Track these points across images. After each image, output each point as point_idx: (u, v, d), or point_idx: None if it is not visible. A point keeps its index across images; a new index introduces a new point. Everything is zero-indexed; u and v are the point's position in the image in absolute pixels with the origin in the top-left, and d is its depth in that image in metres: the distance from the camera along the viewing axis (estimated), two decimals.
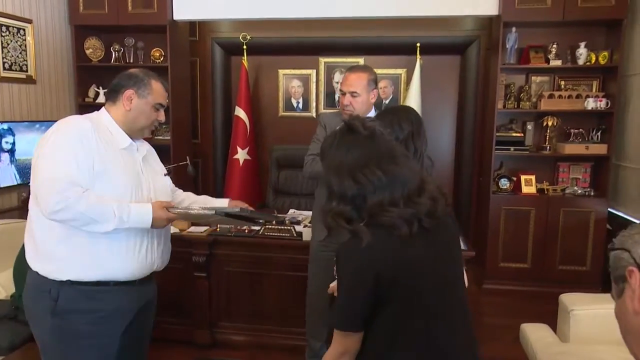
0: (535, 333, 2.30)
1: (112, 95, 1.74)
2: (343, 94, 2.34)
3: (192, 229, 2.92)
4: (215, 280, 2.89)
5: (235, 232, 2.86)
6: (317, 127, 2.54)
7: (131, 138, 1.73)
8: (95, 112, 1.76)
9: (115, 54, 4.07)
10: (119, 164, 1.66)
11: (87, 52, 4.02)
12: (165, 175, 1.90)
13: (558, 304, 2.34)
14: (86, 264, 1.62)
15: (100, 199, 1.57)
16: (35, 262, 1.65)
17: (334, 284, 1.62)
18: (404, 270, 1.15)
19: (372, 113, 2.39)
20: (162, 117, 1.79)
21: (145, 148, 1.83)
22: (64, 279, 1.61)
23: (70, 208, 1.50)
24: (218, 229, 2.90)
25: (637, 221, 3.39)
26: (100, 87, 4.07)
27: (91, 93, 4.06)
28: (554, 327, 2.35)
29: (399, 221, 1.14)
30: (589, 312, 2.21)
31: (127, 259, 1.67)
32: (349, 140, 1.21)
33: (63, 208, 1.50)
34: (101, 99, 4.06)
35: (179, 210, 1.73)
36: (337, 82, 4.59)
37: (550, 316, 2.39)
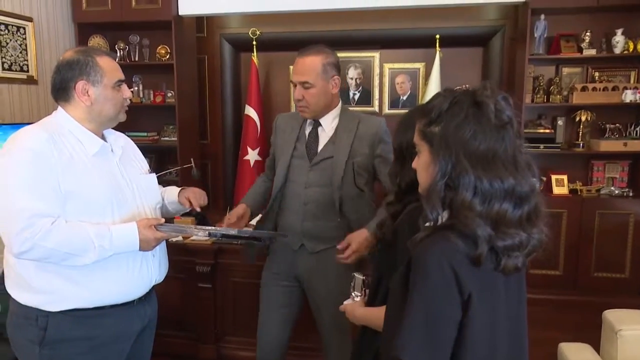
0: (576, 355, 2.04)
1: (62, 94, 1.49)
2: (294, 85, 1.89)
3: (196, 236, 2.73)
4: (221, 292, 2.70)
5: (241, 240, 2.65)
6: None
7: (103, 138, 1.53)
8: (51, 116, 1.50)
9: (120, 52, 3.92)
10: (91, 176, 1.42)
11: None
12: (148, 173, 1.69)
13: (592, 314, 2.08)
14: (77, 292, 1.40)
15: (74, 227, 1.33)
16: (17, 292, 1.42)
17: (350, 303, 1.40)
18: (486, 314, 0.94)
19: (337, 108, 1.94)
20: (127, 93, 1.58)
21: (121, 144, 1.60)
22: (53, 310, 1.39)
23: (38, 247, 1.28)
24: None
25: None
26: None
27: None
28: (591, 341, 2.09)
29: (514, 252, 0.94)
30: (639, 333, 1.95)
31: (123, 278, 1.48)
32: (476, 123, 0.98)
33: (30, 248, 1.28)
34: None
35: (167, 230, 1.52)
36: (352, 78, 4.36)
37: (587, 329, 2.15)
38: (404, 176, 1.26)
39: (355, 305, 1.36)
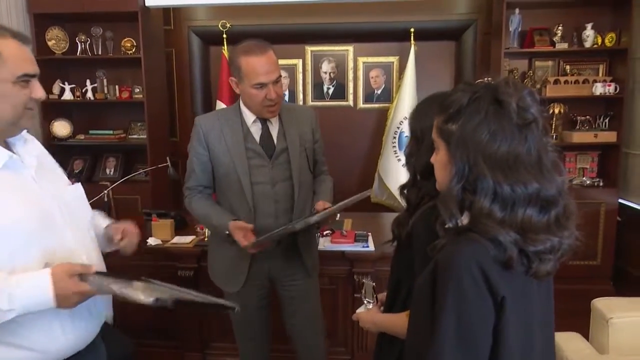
0: (569, 344, 2.07)
1: None
2: (260, 87, 1.69)
3: (176, 239, 2.60)
4: None
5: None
6: (192, 136, 1.87)
7: (8, 148, 1.17)
8: None
9: (81, 45, 3.67)
10: None
11: (50, 43, 3.61)
12: (72, 183, 1.35)
13: (569, 302, 2.10)
14: None
15: None
16: None
17: (364, 311, 1.34)
18: (520, 320, 0.90)
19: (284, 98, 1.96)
20: (39, 92, 1.19)
21: (35, 152, 1.24)
22: None
23: None
24: (206, 239, 2.58)
25: None
26: (66, 83, 3.67)
27: (55, 89, 3.66)
28: (573, 328, 2.12)
29: (546, 256, 0.89)
30: (630, 320, 1.99)
31: (54, 334, 1.16)
32: (496, 123, 0.90)
33: None
34: (67, 95, 3.67)
35: (97, 285, 1.11)
36: (326, 72, 4.29)
37: (568, 316, 2.19)
38: (419, 158, 1.20)
39: (372, 313, 1.29)
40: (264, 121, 1.83)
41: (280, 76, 1.76)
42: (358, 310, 1.35)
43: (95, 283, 1.11)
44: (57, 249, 1.17)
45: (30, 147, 1.24)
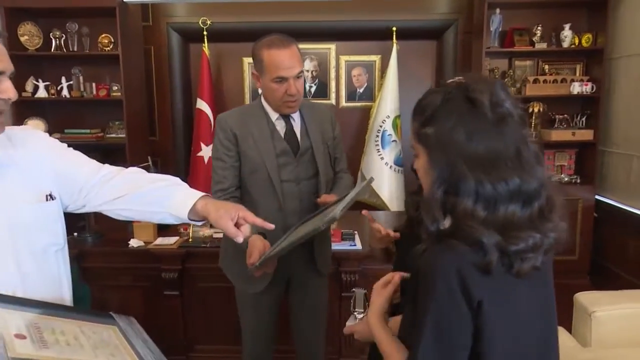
0: None
1: None
2: (280, 81, 1.66)
3: (160, 240, 2.54)
4: (189, 298, 2.54)
5: (210, 243, 2.50)
6: (215, 137, 1.79)
7: None
8: None
9: (55, 41, 3.56)
10: None
11: (22, 39, 3.48)
12: (47, 200, 1.18)
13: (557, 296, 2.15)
14: None
15: None
16: None
17: (351, 324, 1.30)
18: (504, 319, 0.88)
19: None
20: (8, 92, 1.06)
21: (4, 159, 1.11)
22: None
23: None
24: (191, 240, 2.53)
25: (625, 207, 3.31)
26: (40, 80, 3.55)
27: (29, 87, 3.54)
28: (559, 322, 2.16)
29: (528, 255, 0.87)
30: (612, 314, 2.04)
31: None
32: (471, 122, 0.89)
33: None
34: (41, 93, 3.55)
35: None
36: (308, 71, 4.27)
37: None
38: None
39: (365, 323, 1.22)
40: (287, 118, 1.78)
41: (302, 71, 1.71)
42: (348, 323, 1.27)
43: None
44: None
45: (10, 153, 1.13)
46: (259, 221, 1.24)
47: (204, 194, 1.24)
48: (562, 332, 2.16)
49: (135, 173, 1.31)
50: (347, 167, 2.01)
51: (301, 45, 4.48)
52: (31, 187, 1.16)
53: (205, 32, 3.93)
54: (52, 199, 1.20)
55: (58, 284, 1.23)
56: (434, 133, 0.92)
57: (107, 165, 1.31)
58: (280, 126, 1.79)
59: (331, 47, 4.23)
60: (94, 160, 1.31)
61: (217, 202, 1.23)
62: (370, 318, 1.10)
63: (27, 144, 1.18)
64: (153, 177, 1.29)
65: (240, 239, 1.18)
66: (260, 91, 1.82)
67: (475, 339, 0.87)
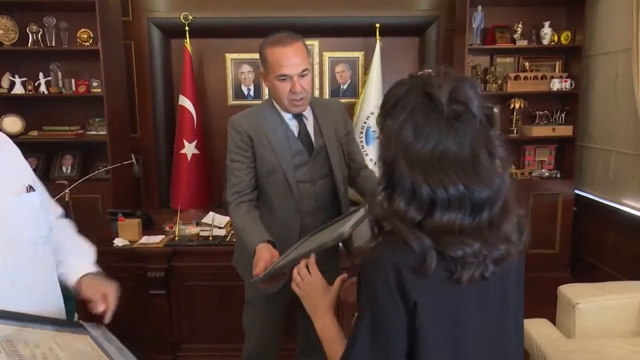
0: (537, 329, 2.15)
1: None
2: (284, 78, 1.62)
3: (145, 239, 2.50)
4: (176, 298, 2.50)
5: (197, 241, 2.47)
6: (230, 141, 1.76)
7: None
8: None
9: (32, 36, 3.46)
10: None
11: None
12: (28, 191, 1.19)
13: (531, 289, 2.17)
14: None
15: None
16: None
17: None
18: (444, 323, 0.86)
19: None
20: None
21: None
22: None
23: None
24: (177, 238, 2.50)
25: (603, 201, 3.39)
26: (17, 76, 3.45)
27: (5, 82, 3.44)
28: (537, 314, 2.19)
29: (468, 261, 0.83)
30: (595, 305, 2.09)
31: None
32: (422, 118, 0.84)
33: None
34: (18, 89, 3.45)
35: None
36: None
37: (529, 302, 2.26)
38: None
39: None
40: (300, 117, 1.75)
41: (307, 69, 1.65)
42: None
43: None
44: None
45: None
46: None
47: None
48: (546, 324, 2.21)
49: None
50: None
51: None
52: (11, 180, 1.17)
53: (187, 28, 3.88)
54: (33, 190, 1.20)
55: (51, 276, 1.23)
56: (387, 126, 0.88)
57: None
58: (294, 126, 1.75)
59: (314, 44, 4.21)
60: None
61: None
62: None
63: None
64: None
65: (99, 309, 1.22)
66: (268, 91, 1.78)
67: (411, 341, 0.86)
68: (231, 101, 4.30)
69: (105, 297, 1.22)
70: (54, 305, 1.23)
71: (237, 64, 4.26)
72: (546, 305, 2.36)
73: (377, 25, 3.92)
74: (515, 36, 3.54)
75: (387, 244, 0.87)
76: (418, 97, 0.85)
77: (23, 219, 1.16)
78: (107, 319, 1.23)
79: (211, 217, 2.70)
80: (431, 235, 0.83)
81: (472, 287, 0.86)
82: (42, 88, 3.50)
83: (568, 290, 2.19)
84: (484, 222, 0.84)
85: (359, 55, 4.27)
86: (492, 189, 0.84)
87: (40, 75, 3.49)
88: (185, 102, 3.93)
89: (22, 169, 1.23)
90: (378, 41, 3.94)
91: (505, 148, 0.88)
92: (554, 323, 2.24)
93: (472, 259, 0.83)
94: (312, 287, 1.13)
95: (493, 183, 0.84)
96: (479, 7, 3.45)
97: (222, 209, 3.42)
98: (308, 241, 1.48)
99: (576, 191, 3.62)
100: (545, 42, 3.51)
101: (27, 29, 3.44)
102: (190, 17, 3.87)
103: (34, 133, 3.53)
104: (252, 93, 4.30)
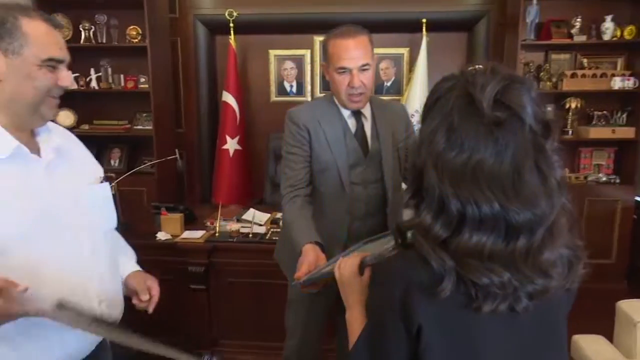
0: (592, 347, 2.01)
1: None
2: (342, 72, 1.58)
3: (187, 234, 2.52)
4: (216, 293, 2.51)
5: (237, 237, 2.47)
6: (287, 132, 1.73)
7: (19, 141, 1.05)
8: None
9: (85, 32, 3.57)
10: None
11: None
12: (101, 182, 1.24)
13: (585, 301, 2.01)
14: None
15: None
16: None
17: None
18: (454, 353, 0.78)
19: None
20: (66, 80, 1.11)
21: (54, 144, 1.13)
22: None
23: None
24: (217, 234, 2.51)
25: None
26: (70, 71, 3.57)
27: None
28: (590, 329, 2.04)
29: (493, 291, 0.73)
30: None
31: (49, 344, 1.08)
32: (461, 123, 0.73)
33: None
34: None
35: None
36: None
37: (581, 315, 2.13)
38: None
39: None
40: (358, 116, 1.70)
41: (369, 64, 1.59)
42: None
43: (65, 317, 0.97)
44: (57, 255, 1.08)
45: (54, 137, 1.16)
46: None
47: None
48: (602, 342, 2.05)
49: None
50: None
51: None
52: (88, 169, 1.24)
53: (231, 24, 3.89)
54: (106, 181, 1.26)
55: (116, 266, 1.29)
56: (422, 127, 0.80)
57: None
58: (352, 124, 1.70)
59: None
60: None
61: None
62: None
63: (58, 131, 1.22)
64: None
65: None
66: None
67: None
68: (274, 97, 4.30)
69: (150, 288, 1.28)
70: (118, 292, 1.28)
71: (280, 61, 4.25)
72: (601, 319, 2.20)
73: (424, 20, 3.80)
74: (572, 31, 3.34)
75: (405, 258, 0.80)
76: (458, 98, 0.75)
77: (100, 207, 1.22)
78: (150, 309, 1.28)
79: (252, 214, 2.70)
80: (456, 257, 0.74)
81: (497, 318, 0.76)
82: (93, 83, 3.61)
83: (628, 306, 2.03)
84: (520, 250, 0.73)
85: (404, 51, 4.17)
86: (535, 212, 0.72)
87: (92, 71, 3.60)
88: (228, 98, 3.96)
89: (93, 161, 1.30)
90: (424, 37, 3.82)
91: (562, 165, 0.77)
92: (611, 340, 2.08)
93: (498, 290, 0.73)
94: (346, 274, 1.02)
95: (537, 205, 0.72)
96: (534, 1, 3.27)
97: (262, 205, 3.42)
98: (359, 250, 1.42)
99: (637, 198, 3.38)
100: (607, 37, 3.29)
101: (80, 26, 3.55)
102: (235, 14, 3.89)
103: (85, 127, 3.65)
104: (294, 90, 4.28)
